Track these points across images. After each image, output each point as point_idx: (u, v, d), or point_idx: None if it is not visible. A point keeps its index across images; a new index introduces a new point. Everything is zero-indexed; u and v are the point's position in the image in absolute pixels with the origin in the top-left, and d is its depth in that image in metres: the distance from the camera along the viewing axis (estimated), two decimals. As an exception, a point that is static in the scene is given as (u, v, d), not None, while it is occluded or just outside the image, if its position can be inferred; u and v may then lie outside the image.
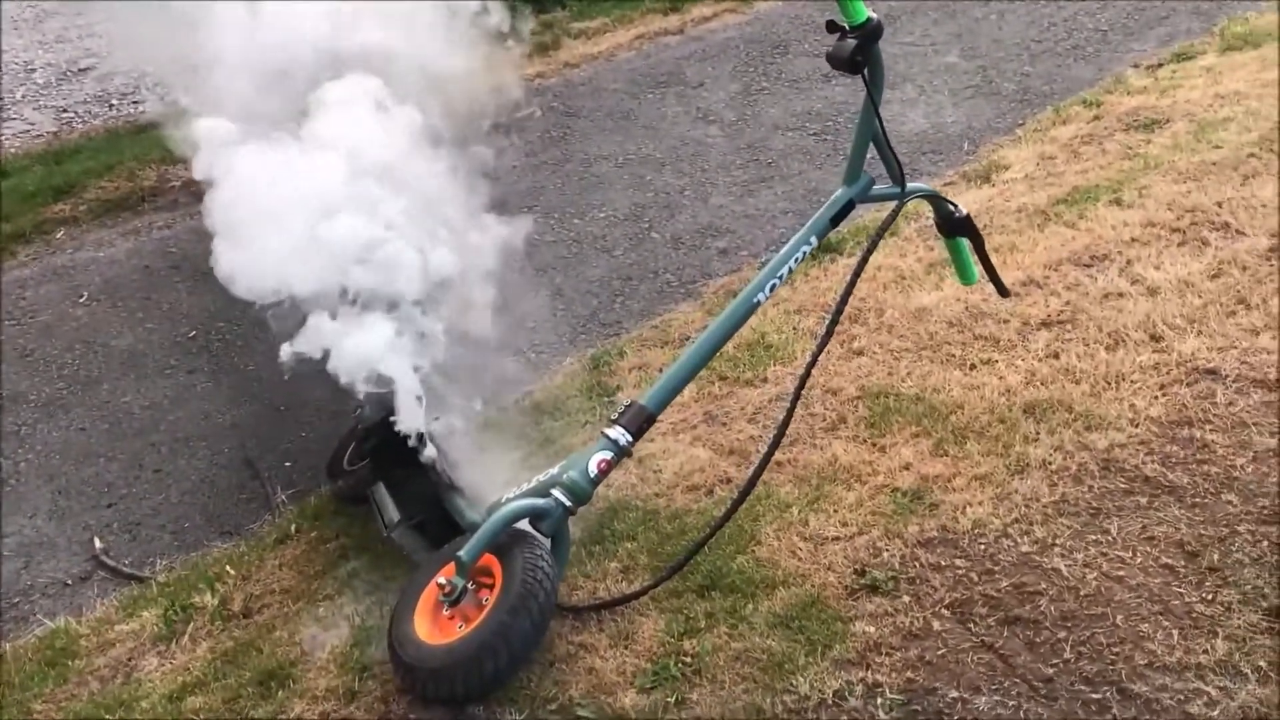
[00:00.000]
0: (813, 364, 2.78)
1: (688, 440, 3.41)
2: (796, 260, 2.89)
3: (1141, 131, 4.87)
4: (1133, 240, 3.91)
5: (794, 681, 2.43)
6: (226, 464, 3.78)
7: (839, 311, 2.82)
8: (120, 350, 4.35)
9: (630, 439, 2.76)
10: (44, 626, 3.20)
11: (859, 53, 2.70)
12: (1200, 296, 3.49)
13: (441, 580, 2.60)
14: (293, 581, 3.15)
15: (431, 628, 2.61)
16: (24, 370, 4.28)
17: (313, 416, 3.93)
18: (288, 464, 3.75)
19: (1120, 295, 3.60)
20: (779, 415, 3.35)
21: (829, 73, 6.09)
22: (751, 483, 2.73)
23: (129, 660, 2.99)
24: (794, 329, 3.89)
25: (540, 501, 2.69)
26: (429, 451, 2.98)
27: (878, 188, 2.99)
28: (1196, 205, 4.03)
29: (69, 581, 3.39)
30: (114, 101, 7.28)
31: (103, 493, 3.70)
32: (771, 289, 2.88)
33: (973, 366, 3.42)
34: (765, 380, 3.65)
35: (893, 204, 3.00)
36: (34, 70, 7.74)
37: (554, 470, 2.81)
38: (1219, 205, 3.97)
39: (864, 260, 2.88)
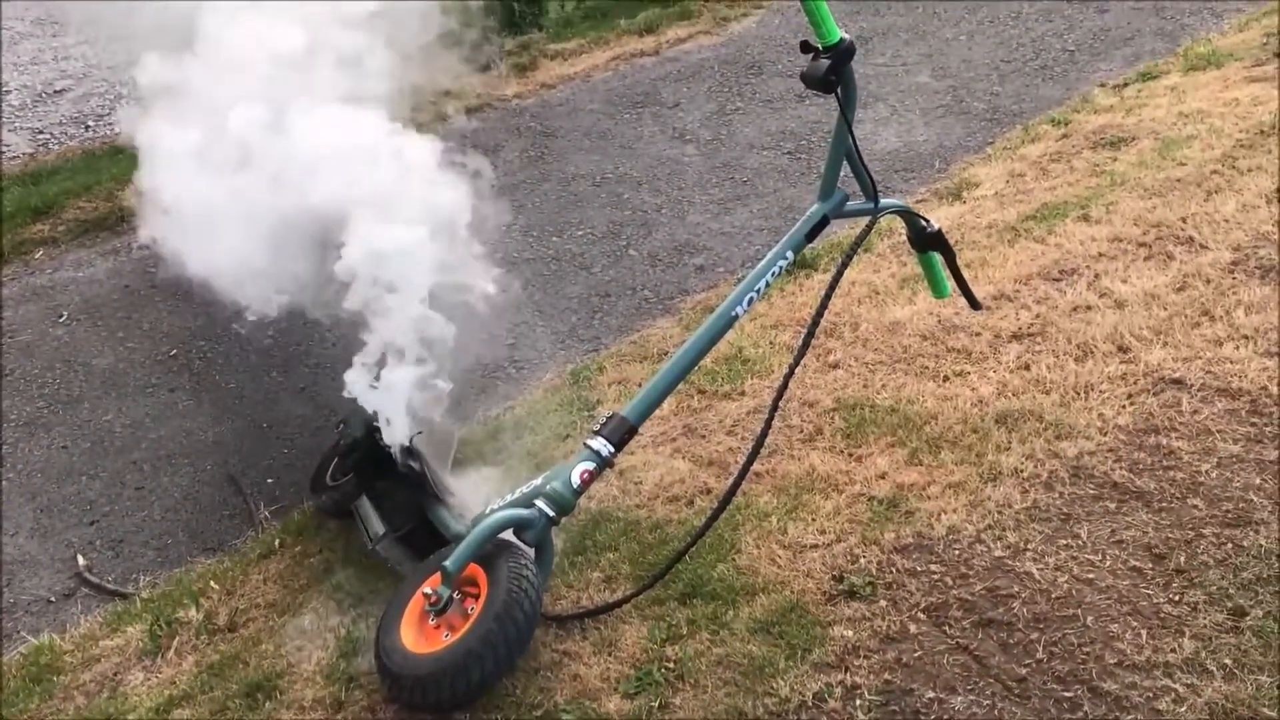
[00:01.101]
0: (790, 376, 2.85)
1: (668, 453, 3.47)
2: (773, 275, 2.97)
3: (1108, 149, 4.99)
4: (1100, 255, 4.01)
5: (774, 685, 2.49)
6: (209, 481, 3.81)
7: (815, 324, 2.90)
8: (101, 369, 4.38)
9: (612, 450, 2.81)
10: (28, 643, 3.21)
11: (832, 72, 2.78)
12: (1166, 309, 3.59)
13: (427, 590, 2.65)
14: (277, 595, 3.18)
15: (418, 637, 2.65)
16: (4, 390, 4.30)
17: (294, 433, 3.97)
18: (270, 480, 3.79)
19: (1089, 308, 3.69)
20: (757, 427, 3.43)
21: (803, 93, 6.20)
22: (730, 493, 2.80)
23: (114, 675, 3.02)
24: (770, 343, 3.97)
25: (524, 512, 2.74)
26: (414, 465, 3.03)
27: (851, 203, 3.07)
28: (1162, 220, 4.13)
29: (52, 599, 3.42)
30: (90, 123, 7.30)
31: (85, 510, 3.72)
32: (749, 303, 2.95)
33: (946, 378, 3.50)
34: (743, 394, 3.72)
35: (866, 219, 3.08)
36: (9, 92, 7.75)
37: (537, 481, 2.87)
38: (1183, 220, 4.08)
39: (839, 274, 2.96)
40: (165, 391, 4.24)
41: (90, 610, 3.34)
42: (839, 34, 2.75)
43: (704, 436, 3.52)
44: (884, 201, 3.08)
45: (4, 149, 6.68)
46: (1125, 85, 5.80)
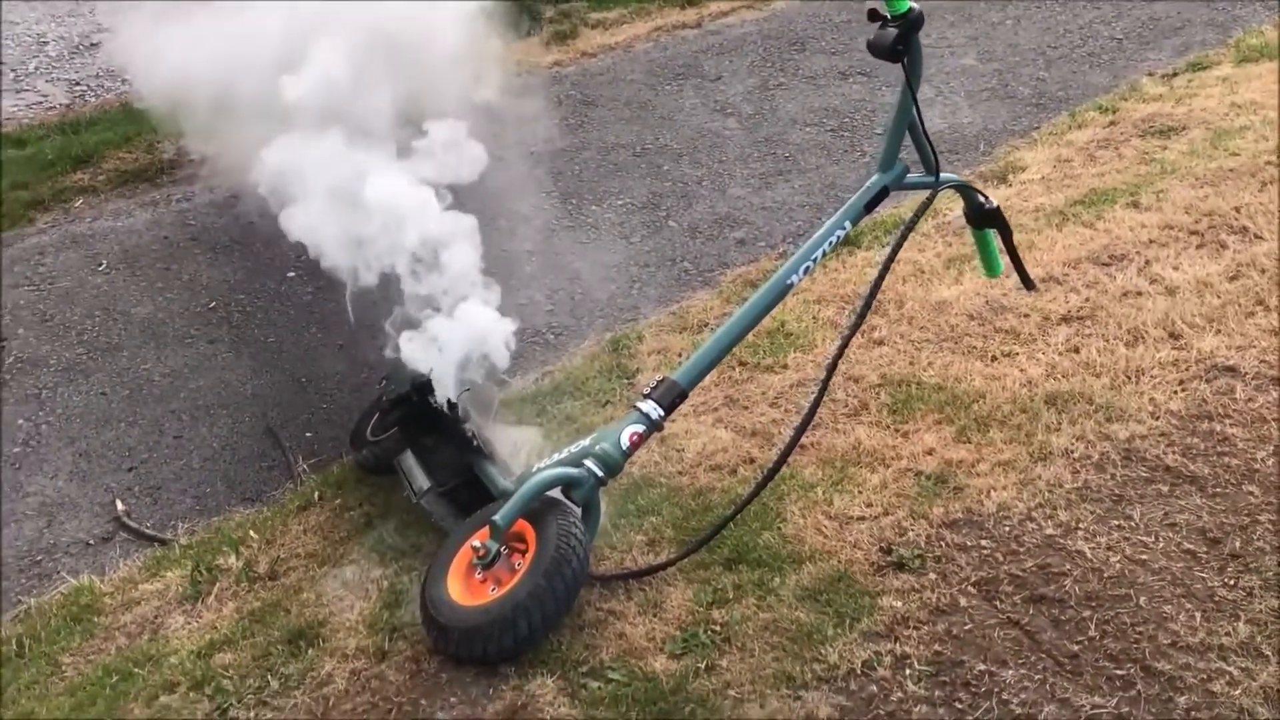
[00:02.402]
0: (844, 346, 2.85)
1: (710, 422, 3.47)
2: (830, 244, 2.96)
3: (1158, 137, 4.95)
4: (1150, 241, 3.99)
5: (823, 651, 2.49)
6: (247, 432, 3.82)
7: (872, 296, 2.89)
8: (140, 318, 4.39)
9: (662, 413, 2.82)
10: (68, 584, 3.22)
11: (899, 41, 2.78)
12: (1219, 297, 3.57)
13: (476, 543, 2.65)
14: (317, 546, 3.19)
15: (464, 590, 2.66)
16: (44, 335, 4.31)
17: (333, 389, 3.98)
18: (308, 434, 3.80)
19: (1139, 294, 3.67)
20: (800, 400, 3.43)
21: (846, 70, 6.17)
22: (781, 460, 2.80)
23: (155, 618, 3.03)
24: (813, 318, 3.96)
25: (573, 470, 2.75)
26: (463, 420, 3.03)
27: (911, 176, 3.06)
28: (1214, 209, 4.10)
29: (91, 541, 3.43)
30: (127, 76, 7.27)
31: (124, 456, 3.73)
32: (805, 271, 2.94)
33: (994, 358, 3.49)
34: (785, 367, 3.71)
35: (924, 193, 3.07)
36: (46, 43, 7.75)
37: (585, 442, 2.87)
38: (1236, 210, 4.05)
39: (898, 246, 2.95)
40: (204, 343, 4.25)
41: (129, 555, 3.35)
42: (908, 3, 2.74)
43: (746, 407, 3.52)
44: (944, 176, 3.06)
45: (41, 99, 6.69)
46: (1175, 75, 5.75)
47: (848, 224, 2.99)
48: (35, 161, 5.31)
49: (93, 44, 7.80)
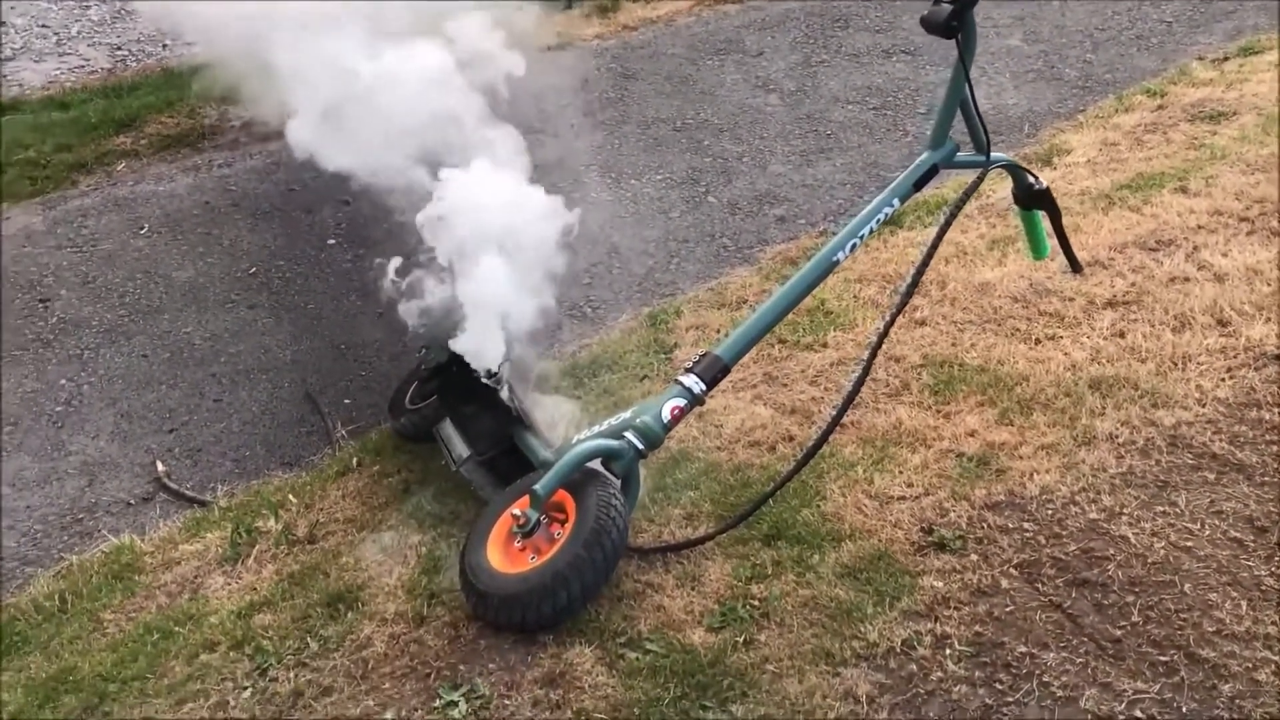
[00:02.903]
0: (890, 325, 2.83)
1: (749, 399, 3.46)
2: (878, 221, 2.94)
3: (1207, 122, 4.89)
4: (1199, 227, 3.94)
5: (862, 629, 2.49)
6: (286, 398, 3.84)
7: (919, 274, 2.87)
8: (181, 282, 4.42)
9: (704, 388, 2.81)
10: (109, 542, 3.26)
11: (954, 18, 2.75)
12: (1269, 285, 3.52)
13: (516, 512, 2.66)
14: (356, 511, 3.21)
15: (504, 558, 2.67)
16: (86, 297, 4.35)
17: (372, 356, 3.99)
18: (347, 401, 3.81)
19: (1186, 280, 3.63)
20: (840, 378, 3.41)
21: (889, 49, 6.12)
22: (824, 437, 2.79)
23: (195, 578, 3.06)
24: (854, 297, 3.94)
25: (614, 442, 2.75)
26: (503, 390, 3.03)
27: (962, 154, 3.03)
28: (1265, 196, 4.05)
29: (131, 501, 3.47)
30: (168, 42, 7.30)
31: (164, 418, 3.77)
32: (852, 248, 2.92)
33: (1037, 341, 3.46)
34: (825, 345, 3.69)
35: (972, 172, 3.04)
36: (89, 7, 7.77)
37: (626, 414, 2.87)
38: (1288, 197, 3.99)
39: (945, 226, 2.93)
40: (244, 308, 4.27)
41: (169, 515, 3.39)
42: (964, -22, 2.70)
43: (786, 385, 3.51)
44: (995, 155, 3.03)
45: (83, 63, 6.71)
46: (1225, 59, 5.67)
47: (896, 201, 2.96)
48: (79, 124, 5.35)
49: (134, 9, 7.82)
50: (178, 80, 6.14)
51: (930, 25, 2.80)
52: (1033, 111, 5.38)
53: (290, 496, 3.31)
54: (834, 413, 2.85)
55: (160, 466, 3.58)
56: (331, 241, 4.62)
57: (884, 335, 2.87)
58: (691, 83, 5.84)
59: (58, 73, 6.68)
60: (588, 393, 3.62)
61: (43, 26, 7.41)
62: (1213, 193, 4.17)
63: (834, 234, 2.95)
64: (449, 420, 3.26)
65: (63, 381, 3.93)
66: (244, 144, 5.31)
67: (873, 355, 2.86)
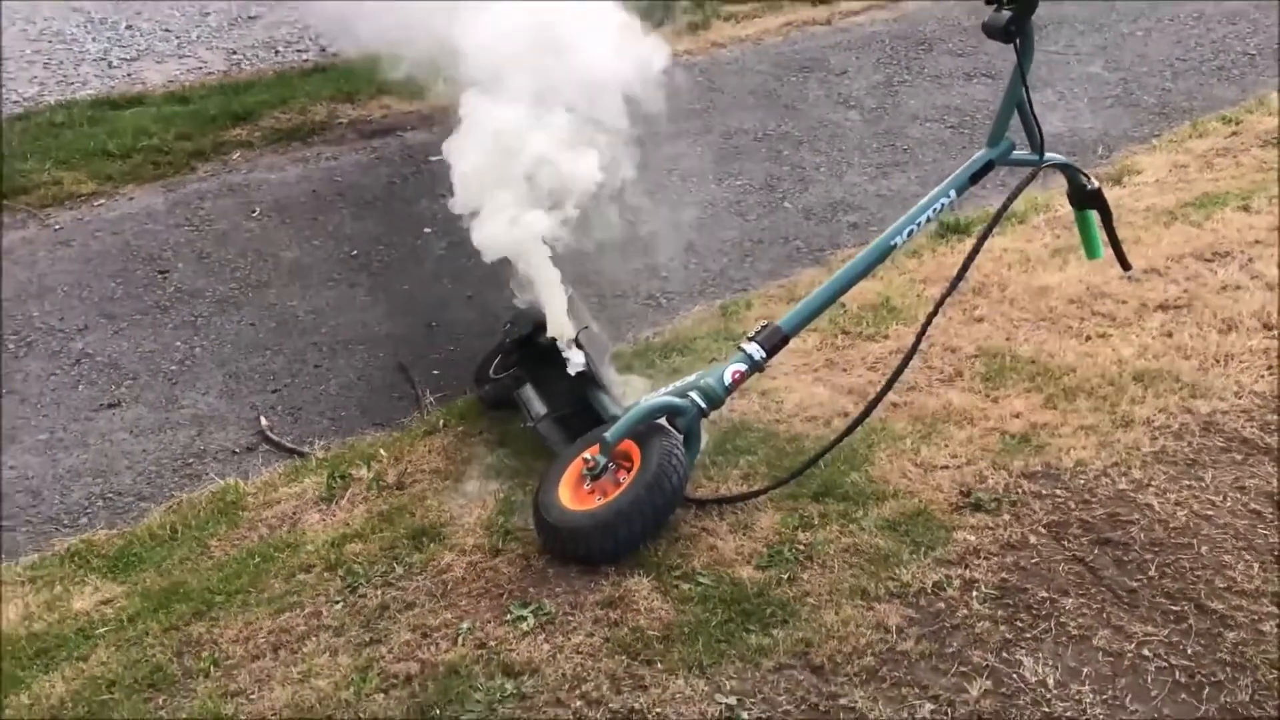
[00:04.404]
0: (948, 294, 3.10)
1: (809, 380, 3.75)
2: (935, 211, 3.23)
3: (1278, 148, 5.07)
4: (1256, 242, 4.15)
5: (897, 572, 2.76)
6: (380, 367, 4.22)
7: (975, 252, 3.12)
8: (288, 260, 4.84)
9: (764, 354, 3.12)
10: (215, 483, 3.64)
11: (1013, 23, 3.04)
12: (1319, 294, 3.73)
13: (587, 456, 2.98)
14: (441, 464, 3.55)
15: (573, 498, 2.99)
16: (201, 270, 4.79)
17: (460, 334, 4.35)
18: (435, 372, 4.18)
19: (1238, 288, 3.85)
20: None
21: (971, 71, 6.39)
22: (879, 397, 3.07)
23: (293, 515, 3.42)
24: (917, 296, 4.21)
25: (678, 400, 3.06)
26: (578, 356, 3.37)
27: (1018, 153, 3.31)
28: (1326, 215, 4.25)
29: (236, 450, 3.85)
30: (279, 49, 7.83)
31: (268, 380, 4.17)
32: (909, 234, 3.22)
33: (1088, 338, 3.70)
34: (886, 337, 3.97)
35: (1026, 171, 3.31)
36: (208, 14, 8.35)
37: (691, 378, 3.18)
38: (1349, 218, 4.19)
39: (1002, 210, 3.19)
40: (345, 286, 4.67)
41: (270, 464, 3.76)
42: (1023, -13, 2.99)
43: (845, 370, 3.79)
44: (1049, 155, 3.30)
45: (201, 65, 7.23)
46: (1305, 91, 5.84)
47: (953, 193, 3.25)
48: (199, 116, 5.84)
49: (251, 16, 8.39)
50: (290, 81, 6.63)
51: (990, 30, 3.10)
52: (1108, 135, 5.61)
53: (381, 450, 3.66)
54: (891, 374, 3.11)
55: (263, 421, 3.96)
56: (428, 230, 5.01)
57: (939, 306, 3.11)
58: (775, 97, 6.17)
59: (177, 73, 7.22)
60: (658, 372, 3.92)
61: (166, 30, 8.00)
62: (1275, 211, 4.37)
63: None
64: (528, 384, 3.60)
65: (178, 344, 4.36)
66: (350, 140, 5.76)
67: (926, 325, 3.12)
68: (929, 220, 3.24)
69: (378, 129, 5.89)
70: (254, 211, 5.22)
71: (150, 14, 7.97)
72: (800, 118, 5.93)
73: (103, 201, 5.30)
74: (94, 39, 7.45)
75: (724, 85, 6.31)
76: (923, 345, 3.71)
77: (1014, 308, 3.99)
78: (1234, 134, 5.37)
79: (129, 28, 7.92)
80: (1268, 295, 3.76)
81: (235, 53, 7.67)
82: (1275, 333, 3.58)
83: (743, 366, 3.10)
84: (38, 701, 2.75)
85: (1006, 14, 3.06)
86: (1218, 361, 3.46)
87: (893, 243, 3.20)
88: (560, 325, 3.36)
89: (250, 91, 6.36)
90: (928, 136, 5.70)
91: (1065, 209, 4.64)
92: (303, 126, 5.83)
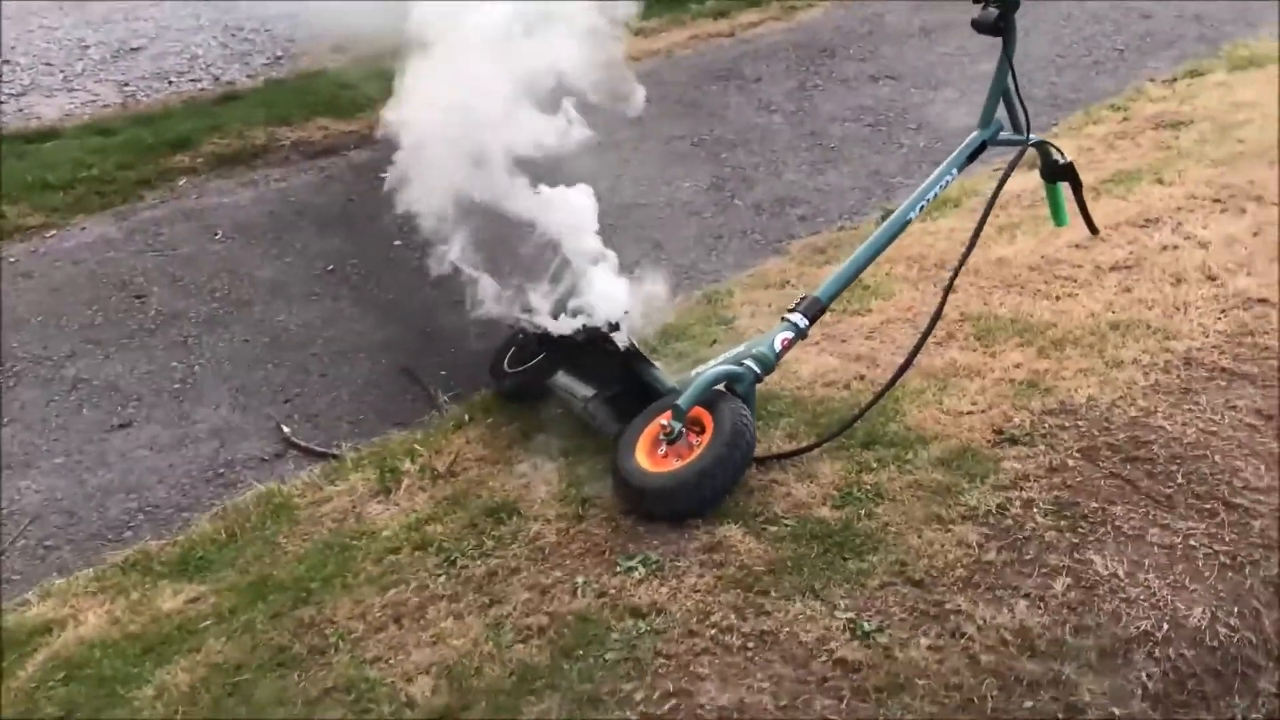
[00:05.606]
0: (964, 261, 3.55)
1: (815, 353, 4.15)
2: (941, 186, 3.70)
3: (1169, 130, 5.77)
4: (1179, 208, 4.77)
5: (962, 499, 3.17)
6: (386, 372, 4.43)
7: (979, 230, 3.59)
8: (264, 279, 4.99)
9: (807, 322, 3.51)
10: (255, 489, 3.80)
11: (1001, 19, 3.53)
12: (1246, 248, 4.34)
13: (664, 422, 3.30)
14: (485, 452, 3.80)
15: (652, 462, 3.31)
16: (178, 293, 4.90)
17: (457, 338, 4.58)
18: (443, 373, 4.40)
19: (1176, 247, 4.44)
20: (893, 333, 4.12)
21: (875, 74, 6.97)
22: (919, 346, 3.48)
23: (354, 509, 3.61)
24: (886, 274, 4.66)
25: (737, 368, 3.42)
26: (622, 337, 3.68)
27: (1004, 134, 3.80)
28: (1230, 183, 4.90)
29: (265, 458, 4.01)
30: (172, 79, 7.87)
31: (277, 391, 4.32)
32: (920, 209, 3.67)
33: (1058, 298, 4.22)
34: (870, 311, 4.41)
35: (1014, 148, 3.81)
36: (88, 47, 8.31)
37: (740, 349, 3.54)
38: (1251, 183, 4.85)
39: (996, 191, 3.67)
40: (329, 300, 4.86)
41: (302, 468, 3.92)
42: (1008, -14, 3.49)
43: (845, 341, 4.21)
44: (1031, 136, 3.80)
45: (94, 98, 7.23)
46: (1175, 80, 6.61)
47: (954, 171, 3.72)
48: (136, 145, 5.91)
49: (134, 48, 8.39)
50: (207, 109, 6.73)
51: (981, 26, 3.58)
52: (1012, 126, 6.21)
53: (417, 446, 3.88)
54: (920, 336, 3.54)
55: (285, 429, 4.13)
56: (398, 243, 5.23)
57: (957, 272, 3.56)
58: (699, 105, 6.60)
59: (71, 107, 7.22)
60: (664, 358, 4.25)
61: (47, 64, 7.95)
62: (1185, 182, 5.02)
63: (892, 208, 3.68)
64: (561, 372, 3.88)
65: (174, 364, 4.47)
66: (295, 161, 5.92)
67: (948, 290, 3.56)
68: (936, 195, 3.68)
69: (321, 150, 6.07)
70: (216, 234, 5.34)
71: (24, 48, 7.89)
72: (728, 123, 6.37)
73: (54, 233, 5.34)
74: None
75: (648, 95, 6.69)
76: (909, 316, 4.18)
77: (980, 278, 4.48)
78: (1125, 119, 6.05)
79: (6, 62, 7.84)
80: (1204, 251, 4.35)
81: (127, 84, 7.68)
82: (1219, 282, 4.15)
83: (790, 334, 3.48)
84: (164, 691, 2.90)
85: (994, 11, 3.55)
86: (1178, 309, 4.01)
87: (908, 217, 3.64)
88: (612, 303, 3.66)
89: (168, 121, 6.42)
90: (850, 135, 6.21)
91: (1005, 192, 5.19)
92: (245, 151, 5.95)
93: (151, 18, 8.84)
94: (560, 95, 4.14)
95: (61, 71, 7.80)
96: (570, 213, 3.70)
